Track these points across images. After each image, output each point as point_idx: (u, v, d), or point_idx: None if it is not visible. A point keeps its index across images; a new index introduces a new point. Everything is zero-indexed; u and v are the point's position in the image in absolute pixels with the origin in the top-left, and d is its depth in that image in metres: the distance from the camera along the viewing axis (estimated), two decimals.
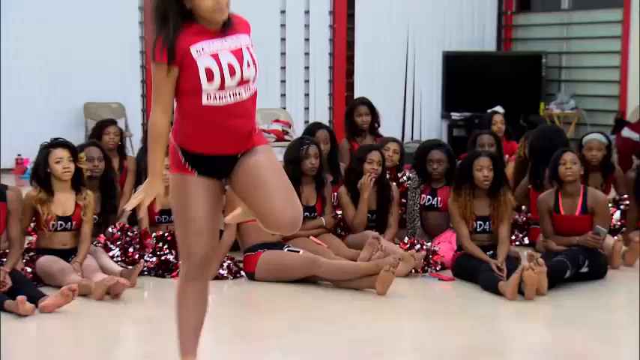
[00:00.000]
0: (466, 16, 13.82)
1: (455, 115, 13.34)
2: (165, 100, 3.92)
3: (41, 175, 6.37)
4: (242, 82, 3.94)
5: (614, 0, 12.63)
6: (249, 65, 3.94)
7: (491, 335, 5.67)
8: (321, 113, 13.45)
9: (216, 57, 3.88)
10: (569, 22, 13.47)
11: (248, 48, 3.96)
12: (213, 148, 3.98)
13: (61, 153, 6.38)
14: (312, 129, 7.95)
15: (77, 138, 11.84)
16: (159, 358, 4.84)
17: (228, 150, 4.00)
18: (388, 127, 10.66)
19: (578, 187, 6.68)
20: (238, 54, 3.93)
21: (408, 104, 13.63)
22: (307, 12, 13.29)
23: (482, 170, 6.44)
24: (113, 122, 8.31)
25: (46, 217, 6.29)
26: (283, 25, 13.17)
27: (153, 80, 3.95)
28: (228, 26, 3.93)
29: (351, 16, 13.43)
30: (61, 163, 6.34)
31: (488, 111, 10.41)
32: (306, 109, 13.45)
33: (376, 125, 8.60)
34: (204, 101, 3.88)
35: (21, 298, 5.57)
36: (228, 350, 5.04)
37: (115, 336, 5.11)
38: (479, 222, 6.50)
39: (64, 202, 6.35)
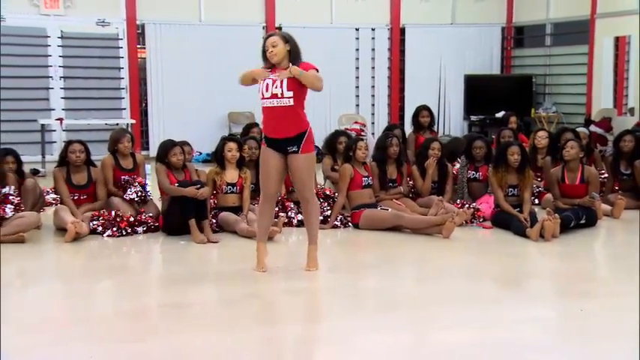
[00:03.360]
0: (480, 50, 13.53)
1: (473, 117, 13.10)
2: None
3: (218, 157, 6.45)
4: (272, 96, 4.58)
5: (582, 39, 12.26)
6: (277, 87, 4.57)
7: (522, 264, 5.62)
8: (382, 117, 13.36)
9: (265, 80, 4.63)
10: (550, 54, 13.10)
11: (287, 79, 4.55)
12: (270, 132, 4.73)
13: (232, 145, 6.42)
14: (391, 127, 7.89)
15: (224, 135, 12.04)
16: (297, 276, 4.90)
17: (277, 134, 4.69)
18: None
19: (577, 165, 6.55)
20: (274, 81, 4.57)
21: (441, 110, 13.42)
22: (373, 49, 13.16)
23: (514, 155, 6.33)
24: (256, 124, 8.33)
25: (220, 183, 6.36)
26: (357, 59, 13.07)
27: None
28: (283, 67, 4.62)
29: (402, 52, 13.28)
30: (232, 152, 6.40)
31: (503, 114, 10.10)
32: (372, 114, 13.33)
33: (432, 124, 8.42)
34: (262, 103, 4.70)
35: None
36: (340, 275, 5.02)
37: (271, 264, 5.10)
38: (510, 189, 6.40)
39: (231, 174, 6.38)
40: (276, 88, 4.57)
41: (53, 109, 11.33)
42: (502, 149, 6.45)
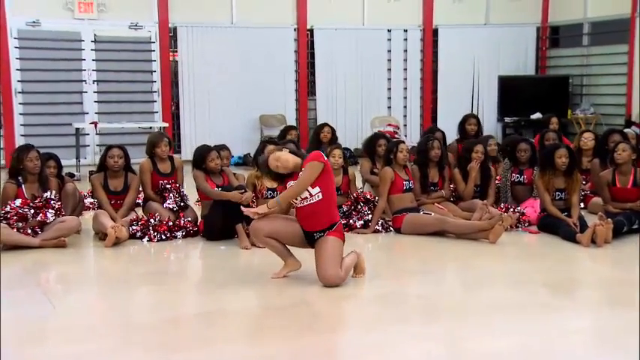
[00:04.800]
0: (514, 51, 13.30)
1: (507, 119, 12.92)
2: None
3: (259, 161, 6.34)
4: (302, 199, 4.65)
5: (622, 38, 12.00)
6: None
7: (573, 271, 5.44)
8: (415, 119, 13.22)
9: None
10: (588, 54, 12.85)
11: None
12: (304, 226, 4.73)
13: (272, 148, 6.31)
14: (432, 129, 7.74)
15: (256, 138, 11.99)
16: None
17: (308, 228, 4.70)
18: None
19: (629, 168, 6.33)
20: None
21: (474, 111, 13.18)
22: (405, 51, 13.02)
23: (562, 158, 6.15)
24: (294, 127, 8.26)
25: (260, 187, 6.26)
26: (389, 60, 12.93)
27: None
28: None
29: (435, 53, 13.12)
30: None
31: (544, 115, 9.83)
32: (405, 116, 13.18)
33: (480, 133, 8.12)
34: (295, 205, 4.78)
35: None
36: (381, 281, 4.89)
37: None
38: (557, 192, 6.22)
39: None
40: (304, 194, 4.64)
41: (87, 113, 11.37)
42: (549, 152, 6.28)
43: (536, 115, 12.39)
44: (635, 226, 6.07)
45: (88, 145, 11.29)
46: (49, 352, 3.61)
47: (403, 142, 6.68)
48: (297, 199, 4.68)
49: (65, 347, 3.66)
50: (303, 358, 3.61)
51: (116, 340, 3.80)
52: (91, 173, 9.23)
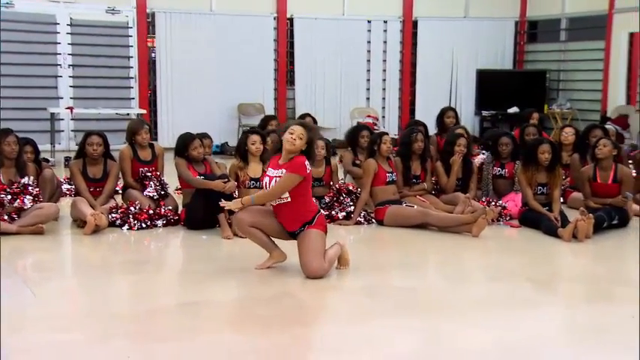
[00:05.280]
0: (492, 45, 13.35)
1: (484, 113, 13.00)
2: None
3: (242, 151, 6.23)
4: None
5: (599, 34, 12.14)
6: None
7: (555, 265, 5.49)
8: (393, 111, 13.22)
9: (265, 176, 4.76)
10: (565, 50, 12.98)
11: (279, 176, 4.57)
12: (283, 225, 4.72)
13: (255, 138, 6.22)
14: (416, 123, 7.73)
15: (234, 126, 11.90)
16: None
17: (287, 228, 4.70)
18: None
19: (610, 163, 6.38)
20: (271, 178, 4.63)
21: (452, 104, 13.21)
22: (385, 42, 12.98)
23: (545, 154, 6.17)
24: (275, 117, 8.18)
25: (243, 178, 6.19)
26: (369, 51, 12.88)
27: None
28: (285, 161, 4.61)
29: (414, 45, 13.12)
30: (255, 145, 6.20)
31: (525, 110, 9.87)
32: (383, 107, 13.17)
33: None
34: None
35: None
36: (364, 273, 4.86)
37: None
38: (539, 187, 6.23)
39: (255, 169, 6.15)
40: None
41: (61, 98, 11.14)
42: (532, 147, 6.29)
43: (514, 109, 12.50)
44: (615, 222, 6.14)
45: (63, 131, 11.08)
46: (32, 340, 3.53)
47: (387, 133, 6.66)
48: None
49: (49, 335, 3.59)
50: (287, 349, 3.57)
51: (98, 329, 3.73)
52: (66, 159, 9.15)
